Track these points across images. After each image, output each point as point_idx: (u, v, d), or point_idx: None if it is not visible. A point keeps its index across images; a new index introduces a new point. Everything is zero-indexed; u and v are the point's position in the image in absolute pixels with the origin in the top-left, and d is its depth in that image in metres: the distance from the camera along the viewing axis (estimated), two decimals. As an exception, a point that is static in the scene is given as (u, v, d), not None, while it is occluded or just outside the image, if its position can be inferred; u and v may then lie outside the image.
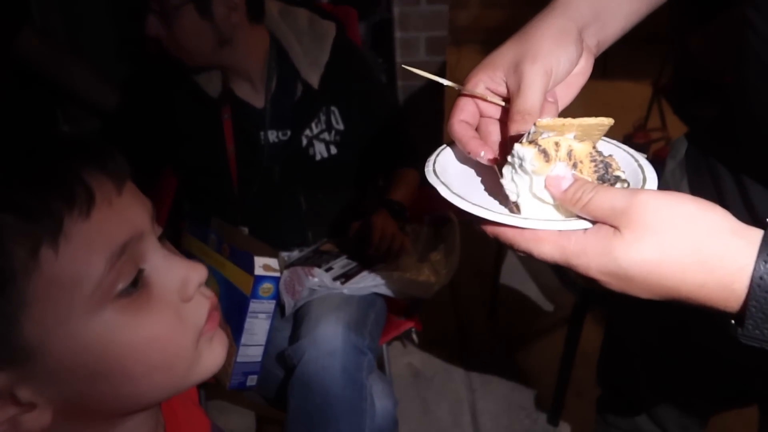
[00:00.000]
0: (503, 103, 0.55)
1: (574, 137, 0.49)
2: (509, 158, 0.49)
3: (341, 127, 1.32)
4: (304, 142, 1.30)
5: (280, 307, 1.22)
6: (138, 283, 0.44)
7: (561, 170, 0.46)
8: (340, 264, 1.24)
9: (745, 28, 0.58)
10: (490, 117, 0.56)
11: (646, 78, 2.91)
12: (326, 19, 1.33)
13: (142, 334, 0.43)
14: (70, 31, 1.57)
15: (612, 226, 0.43)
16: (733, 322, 0.41)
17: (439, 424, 1.68)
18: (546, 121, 0.47)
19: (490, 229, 0.48)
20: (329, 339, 1.10)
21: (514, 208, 0.50)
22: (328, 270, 1.21)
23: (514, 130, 0.51)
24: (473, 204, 0.47)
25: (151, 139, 1.33)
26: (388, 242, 1.22)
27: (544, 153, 0.47)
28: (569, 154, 0.48)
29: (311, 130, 1.30)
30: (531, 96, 0.51)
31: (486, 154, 0.53)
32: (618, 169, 0.48)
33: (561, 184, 0.46)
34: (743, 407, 0.89)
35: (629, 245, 0.41)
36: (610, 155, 0.50)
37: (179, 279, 0.46)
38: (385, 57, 1.99)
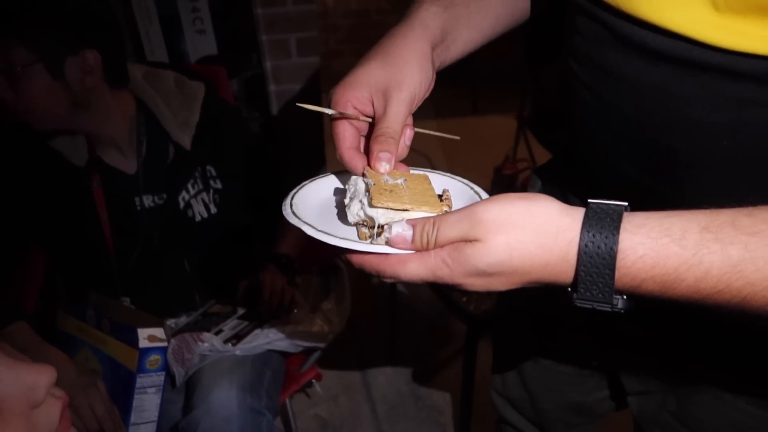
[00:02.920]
0: (370, 120, 0.58)
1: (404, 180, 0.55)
2: (348, 186, 0.54)
3: (219, 185, 1.31)
4: (182, 204, 1.27)
5: (170, 378, 1.16)
6: None
7: (396, 228, 0.49)
8: (231, 325, 1.22)
9: (568, 76, 0.65)
10: (363, 135, 0.60)
11: (512, 112, 3.13)
12: (195, 80, 1.32)
13: None
14: None
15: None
16: (569, 290, 0.46)
17: (351, 473, 1.66)
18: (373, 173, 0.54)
19: (355, 260, 0.50)
20: (224, 405, 1.06)
21: (362, 233, 0.53)
22: (218, 333, 1.18)
23: (377, 150, 0.54)
24: (329, 235, 0.49)
25: (13, 216, 1.24)
26: (278, 297, 1.21)
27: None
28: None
29: (188, 191, 1.28)
30: (395, 121, 0.55)
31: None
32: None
33: (406, 238, 0.48)
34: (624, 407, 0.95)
35: (481, 252, 0.45)
36: (445, 189, 0.57)
37: (27, 386, 0.45)
38: (260, 110, 2.01)
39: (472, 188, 0.59)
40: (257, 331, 1.20)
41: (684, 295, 0.42)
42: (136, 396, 1.08)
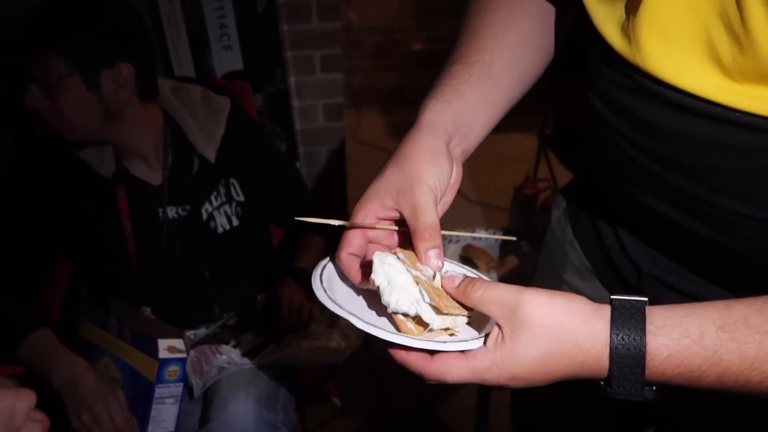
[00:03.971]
0: (396, 228, 0.60)
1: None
2: (375, 266, 0.54)
3: (242, 198, 1.33)
4: (205, 215, 1.29)
5: (188, 389, 1.17)
6: None
7: (453, 272, 0.54)
8: (249, 338, 1.22)
9: (594, 114, 0.66)
10: (378, 243, 0.61)
11: (533, 130, 3.11)
12: (220, 95, 1.35)
13: None
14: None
15: (500, 325, 0.50)
16: (602, 383, 0.50)
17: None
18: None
19: (399, 356, 0.53)
20: (241, 418, 1.07)
21: (405, 326, 0.54)
22: (236, 346, 1.18)
23: (423, 248, 0.55)
24: (380, 329, 0.51)
25: (40, 225, 1.27)
26: (296, 312, 1.22)
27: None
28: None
29: (211, 203, 1.30)
30: (430, 214, 0.56)
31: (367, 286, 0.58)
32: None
33: (454, 281, 0.53)
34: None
35: (527, 346, 0.49)
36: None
37: (6, 412, 0.45)
38: (284, 125, 2.03)
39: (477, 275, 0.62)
40: (274, 345, 1.20)
41: (709, 387, 0.47)
42: (154, 406, 1.09)
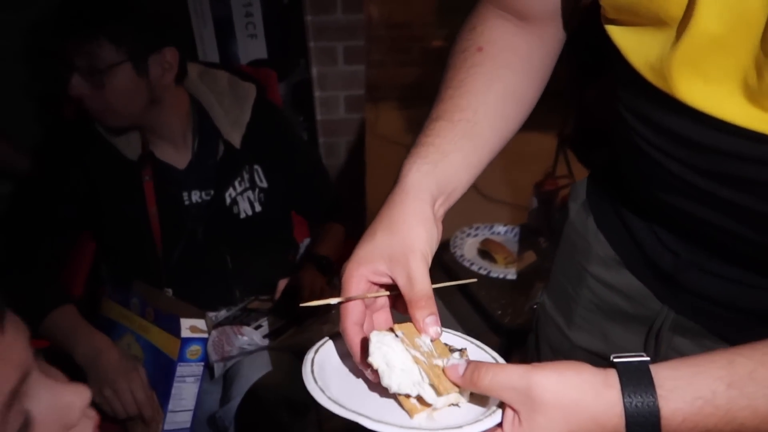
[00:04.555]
0: (388, 293, 0.60)
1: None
2: (372, 348, 0.54)
3: (265, 184, 1.34)
4: (228, 200, 1.31)
5: (208, 368, 1.19)
6: (25, 428, 0.41)
7: (455, 360, 0.54)
8: (269, 321, 1.24)
9: (618, 121, 0.66)
10: (377, 309, 0.62)
11: (553, 129, 3.10)
12: (246, 81, 1.36)
13: None
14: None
15: (514, 408, 0.51)
16: None
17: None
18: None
19: None
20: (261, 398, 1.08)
21: (410, 404, 0.54)
22: (257, 328, 1.20)
23: (420, 316, 0.56)
24: (393, 426, 0.50)
25: (67, 204, 1.29)
26: (317, 298, 1.23)
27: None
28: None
29: (235, 188, 1.31)
30: (424, 283, 0.57)
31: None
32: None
33: (458, 370, 0.53)
34: None
35: (545, 428, 0.49)
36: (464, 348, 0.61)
37: (62, 407, 0.44)
38: (305, 115, 2.04)
39: (483, 350, 0.64)
40: (295, 328, 1.22)
41: None
42: (175, 384, 1.10)
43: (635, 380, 0.49)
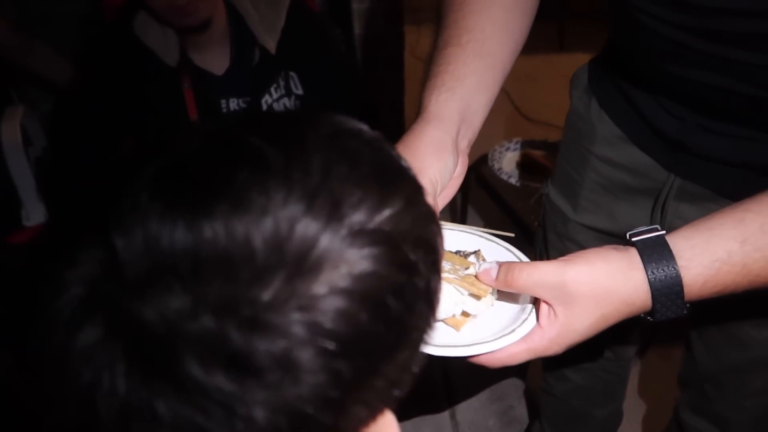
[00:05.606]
0: None
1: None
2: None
3: (300, 92, 1.34)
4: (264, 107, 1.31)
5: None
6: None
7: (486, 264, 0.56)
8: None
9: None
10: None
11: (599, 49, 2.98)
12: (282, -14, 1.34)
13: None
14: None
15: (549, 303, 0.53)
16: (643, 315, 0.55)
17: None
18: None
19: (469, 361, 0.55)
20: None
21: (457, 321, 0.56)
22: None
23: None
24: (446, 346, 0.53)
25: (111, 113, 1.32)
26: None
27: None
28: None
29: (270, 95, 1.32)
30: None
31: None
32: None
33: (491, 273, 0.55)
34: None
35: (581, 318, 0.52)
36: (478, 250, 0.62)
37: None
38: (343, 27, 2.00)
39: (501, 245, 0.64)
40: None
41: (743, 290, 0.52)
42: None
43: (656, 256, 0.51)
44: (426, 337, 0.37)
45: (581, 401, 1.16)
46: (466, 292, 0.56)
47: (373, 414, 0.35)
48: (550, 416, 1.24)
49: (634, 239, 0.53)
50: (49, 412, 0.30)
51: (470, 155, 0.69)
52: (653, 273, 0.51)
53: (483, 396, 1.58)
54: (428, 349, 0.51)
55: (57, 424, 0.30)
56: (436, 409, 1.51)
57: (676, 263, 0.50)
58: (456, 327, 0.56)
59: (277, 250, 0.28)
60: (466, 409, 1.55)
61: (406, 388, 0.36)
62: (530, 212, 1.53)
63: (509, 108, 2.67)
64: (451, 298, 0.55)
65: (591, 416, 1.18)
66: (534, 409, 1.37)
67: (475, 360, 0.55)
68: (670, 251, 0.51)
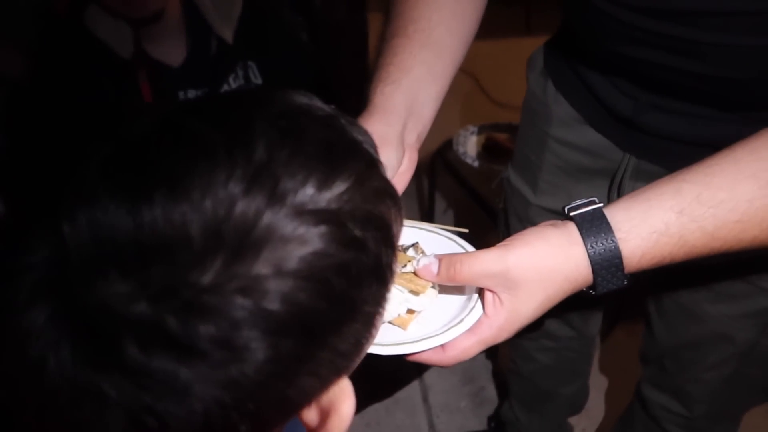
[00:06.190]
0: None
1: None
2: None
3: (259, 81, 1.32)
4: (224, 98, 1.30)
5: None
6: None
7: (425, 260, 0.55)
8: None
9: None
10: None
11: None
12: (236, -26, 1.31)
13: None
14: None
15: (493, 290, 0.53)
16: (585, 289, 0.55)
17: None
18: None
19: (414, 359, 0.55)
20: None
21: (403, 319, 0.55)
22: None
23: None
24: (386, 345, 0.51)
25: (66, 107, 1.29)
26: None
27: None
28: None
29: (229, 85, 1.30)
30: None
31: None
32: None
33: (431, 269, 0.54)
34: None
35: (527, 301, 0.52)
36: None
37: None
38: (305, 15, 1.98)
39: (446, 236, 0.62)
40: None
41: (679, 262, 0.52)
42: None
43: (595, 229, 0.51)
44: (381, 309, 0.38)
45: (548, 380, 1.18)
46: (406, 291, 0.55)
47: (324, 384, 0.36)
48: (519, 396, 1.26)
49: (572, 213, 0.53)
50: (3, 388, 0.31)
51: (436, 139, 0.68)
52: (592, 247, 0.51)
53: (454, 378, 1.60)
54: (377, 350, 0.51)
55: (15, 402, 0.31)
56: (408, 392, 1.52)
57: (614, 236, 0.50)
58: (403, 326, 0.55)
59: (216, 234, 0.29)
60: (439, 391, 1.57)
61: (358, 358, 0.38)
62: (495, 196, 1.54)
63: (477, 92, 2.68)
64: (393, 298, 0.54)
65: (558, 394, 1.20)
66: (504, 390, 1.39)
67: (429, 362, 0.55)
68: (608, 224, 0.51)
